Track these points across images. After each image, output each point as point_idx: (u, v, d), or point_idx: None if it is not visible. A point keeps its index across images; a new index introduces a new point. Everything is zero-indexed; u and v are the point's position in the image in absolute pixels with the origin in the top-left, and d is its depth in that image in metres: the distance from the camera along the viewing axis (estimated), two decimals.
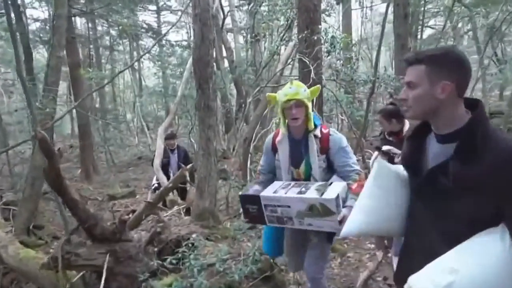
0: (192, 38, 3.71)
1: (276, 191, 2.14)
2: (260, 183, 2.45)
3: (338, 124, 11.34)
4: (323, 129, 2.27)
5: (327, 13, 8.57)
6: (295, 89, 2.17)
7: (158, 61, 12.84)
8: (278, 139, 2.34)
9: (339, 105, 9.02)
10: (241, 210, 2.44)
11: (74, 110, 10.38)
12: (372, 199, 1.44)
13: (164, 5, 16.47)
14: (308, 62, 4.86)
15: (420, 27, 11.11)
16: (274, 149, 2.39)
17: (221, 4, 11.03)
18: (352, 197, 2.07)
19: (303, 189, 2.10)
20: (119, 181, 9.42)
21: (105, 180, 9.89)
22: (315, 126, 2.24)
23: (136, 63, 15.65)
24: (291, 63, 8.40)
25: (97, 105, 16.52)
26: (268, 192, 2.16)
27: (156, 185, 5.55)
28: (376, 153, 3.16)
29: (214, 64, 4.43)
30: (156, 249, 3.16)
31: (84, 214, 3.01)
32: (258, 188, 2.35)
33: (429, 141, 1.30)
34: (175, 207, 4.82)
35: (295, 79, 6.48)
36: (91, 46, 14.27)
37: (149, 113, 16.14)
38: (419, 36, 11.16)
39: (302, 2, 5.01)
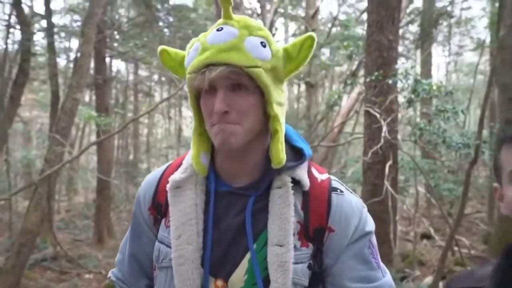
0: None
1: None
2: None
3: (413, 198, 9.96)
4: (315, 171, 1.00)
5: (403, 58, 7.88)
6: (230, 33, 0.88)
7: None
8: (173, 179, 0.99)
9: (417, 174, 7.92)
10: None
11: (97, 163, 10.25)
12: None
13: None
14: (378, 116, 4.00)
15: None
16: (160, 208, 1.03)
17: None
18: None
19: None
20: None
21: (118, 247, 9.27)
22: (297, 158, 0.97)
23: (175, 110, 15.80)
24: (355, 116, 7.58)
25: (131, 157, 16.79)
26: None
27: None
28: None
29: None
30: None
31: None
32: None
33: None
34: None
35: (360, 137, 5.58)
36: (131, 91, 14.80)
37: None
38: None
39: (373, 37, 4.29)
